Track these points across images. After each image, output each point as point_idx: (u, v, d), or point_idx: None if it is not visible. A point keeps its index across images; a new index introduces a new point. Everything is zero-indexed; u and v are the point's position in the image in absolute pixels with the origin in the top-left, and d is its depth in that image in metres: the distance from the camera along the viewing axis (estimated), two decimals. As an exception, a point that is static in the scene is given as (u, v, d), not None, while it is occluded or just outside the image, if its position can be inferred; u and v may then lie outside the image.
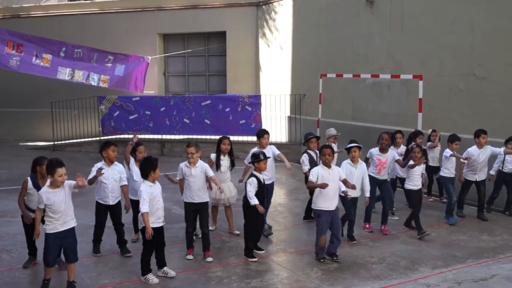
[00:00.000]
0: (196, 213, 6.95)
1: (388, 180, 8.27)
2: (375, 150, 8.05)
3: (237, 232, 7.84)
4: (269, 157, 7.34)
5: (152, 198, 5.99)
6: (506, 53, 9.36)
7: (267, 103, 15.28)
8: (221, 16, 17.11)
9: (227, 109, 14.71)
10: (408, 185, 8.00)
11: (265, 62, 16.71)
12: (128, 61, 15.42)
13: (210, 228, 7.38)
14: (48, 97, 16.66)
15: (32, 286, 6.10)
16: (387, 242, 7.60)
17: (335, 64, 13.34)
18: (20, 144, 17.49)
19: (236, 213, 7.87)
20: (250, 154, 7.68)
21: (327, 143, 8.25)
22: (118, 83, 15.30)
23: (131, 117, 15.41)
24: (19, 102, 18.32)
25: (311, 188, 6.93)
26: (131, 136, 8.14)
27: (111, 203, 6.88)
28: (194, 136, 14.77)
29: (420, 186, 8.04)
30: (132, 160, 7.28)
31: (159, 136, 15.74)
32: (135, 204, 6.75)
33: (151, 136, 15.68)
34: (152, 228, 5.93)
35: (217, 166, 7.63)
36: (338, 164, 7.42)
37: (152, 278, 6.11)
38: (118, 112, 15.51)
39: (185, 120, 15.08)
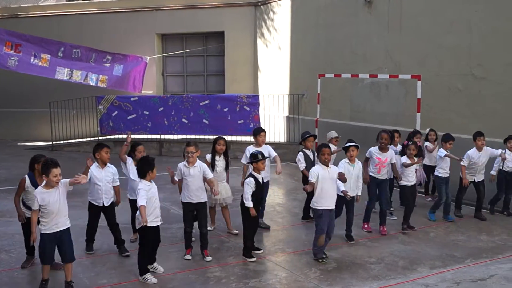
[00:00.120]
0: (194, 213, 6.95)
1: (387, 179, 8.27)
2: (374, 149, 8.04)
3: (235, 231, 7.83)
4: (267, 157, 7.35)
5: (150, 197, 6.00)
6: (505, 53, 9.36)
7: (265, 103, 15.27)
8: (219, 16, 17.11)
9: (226, 109, 14.70)
10: (402, 181, 8.04)
11: (263, 62, 16.70)
12: (127, 61, 15.43)
13: (208, 228, 7.39)
14: (46, 97, 16.62)
15: (31, 286, 6.09)
16: (386, 242, 7.60)
17: (333, 64, 13.34)
18: (19, 144, 17.43)
19: (234, 213, 7.87)
20: (246, 152, 7.70)
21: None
22: (116, 83, 15.32)
23: (129, 117, 15.39)
24: (18, 102, 18.27)
25: (306, 190, 6.98)
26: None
27: (105, 204, 6.90)
28: (193, 136, 14.74)
29: (414, 182, 8.09)
30: (130, 160, 7.27)
31: (158, 136, 15.71)
32: (133, 204, 6.75)
33: (149, 136, 15.65)
34: (149, 227, 5.94)
35: (212, 166, 7.63)
36: (336, 164, 7.42)
37: (150, 278, 6.11)
38: (116, 112, 15.49)
39: (183, 120, 15.07)
